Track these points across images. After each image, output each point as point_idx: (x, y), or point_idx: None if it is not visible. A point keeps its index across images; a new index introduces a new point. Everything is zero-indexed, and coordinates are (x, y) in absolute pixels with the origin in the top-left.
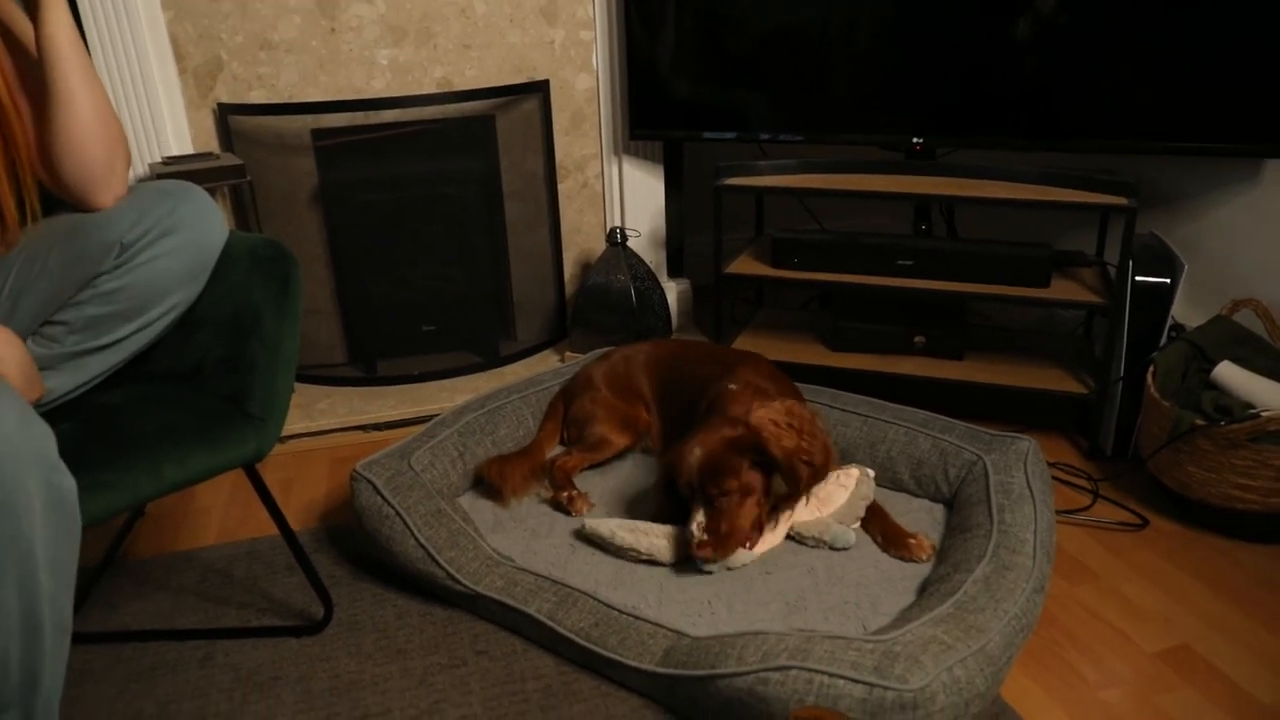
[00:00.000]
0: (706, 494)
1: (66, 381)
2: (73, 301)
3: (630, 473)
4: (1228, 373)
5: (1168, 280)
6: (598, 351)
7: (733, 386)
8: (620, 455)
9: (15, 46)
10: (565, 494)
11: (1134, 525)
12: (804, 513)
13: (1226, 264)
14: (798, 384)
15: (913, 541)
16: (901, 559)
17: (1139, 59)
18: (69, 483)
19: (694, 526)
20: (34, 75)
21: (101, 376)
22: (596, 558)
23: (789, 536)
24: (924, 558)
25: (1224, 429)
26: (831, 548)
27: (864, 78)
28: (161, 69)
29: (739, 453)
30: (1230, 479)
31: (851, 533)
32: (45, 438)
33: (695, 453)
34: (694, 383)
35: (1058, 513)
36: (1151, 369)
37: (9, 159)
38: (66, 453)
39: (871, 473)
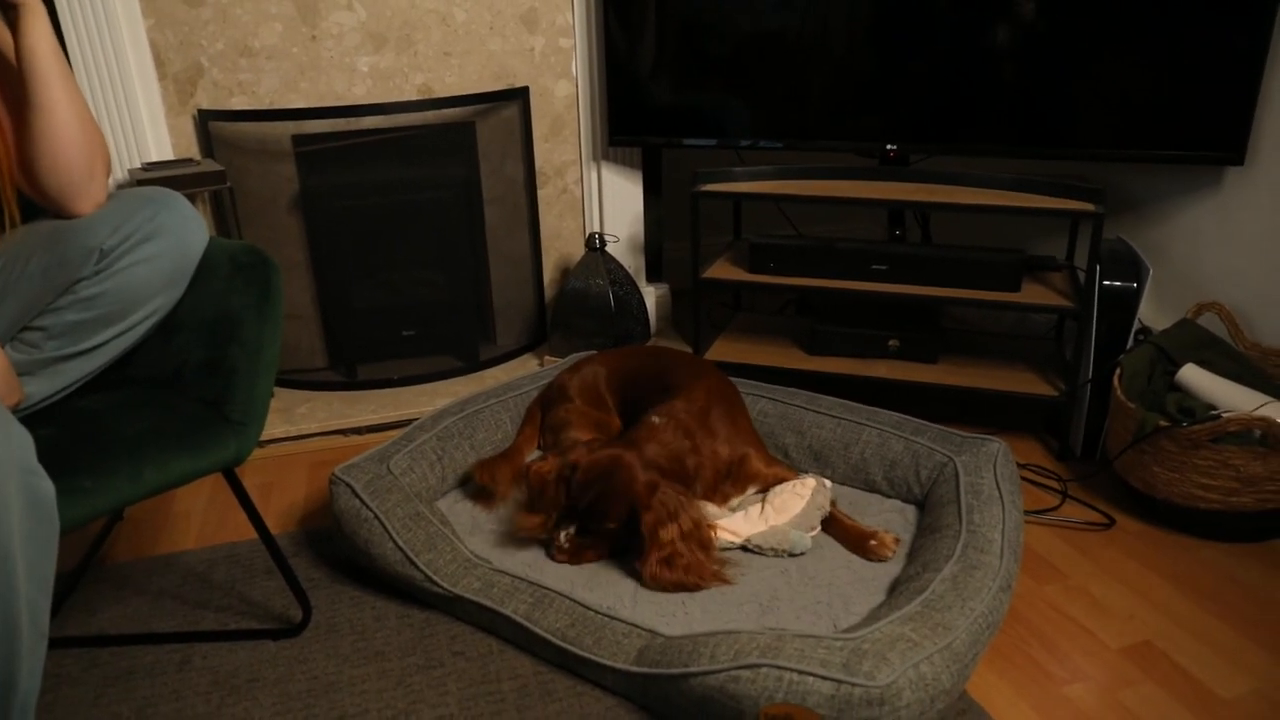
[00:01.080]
0: (585, 522)
1: (45, 387)
2: (52, 307)
3: None
4: (1191, 375)
5: (1134, 284)
6: (576, 355)
7: (656, 420)
8: None
9: None
10: (560, 534)
11: (1101, 525)
12: (758, 523)
13: (1191, 269)
14: (775, 386)
15: (873, 542)
16: (866, 559)
17: (1107, 69)
18: (47, 487)
19: (563, 536)
20: (13, 84)
21: (81, 382)
22: None
23: (745, 548)
24: (889, 555)
25: (1187, 430)
26: (790, 554)
27: (840, 86)
28: (142, 76)
29: (628, 501)
30: (1193, 479)
31: (808, 538)
32: (24, 443)
33: (593, 485)
34: (645, 400)
35: (1027, 513)
36: (1118, 371)
37: None
38: (45, 458)
39: (829, 483)
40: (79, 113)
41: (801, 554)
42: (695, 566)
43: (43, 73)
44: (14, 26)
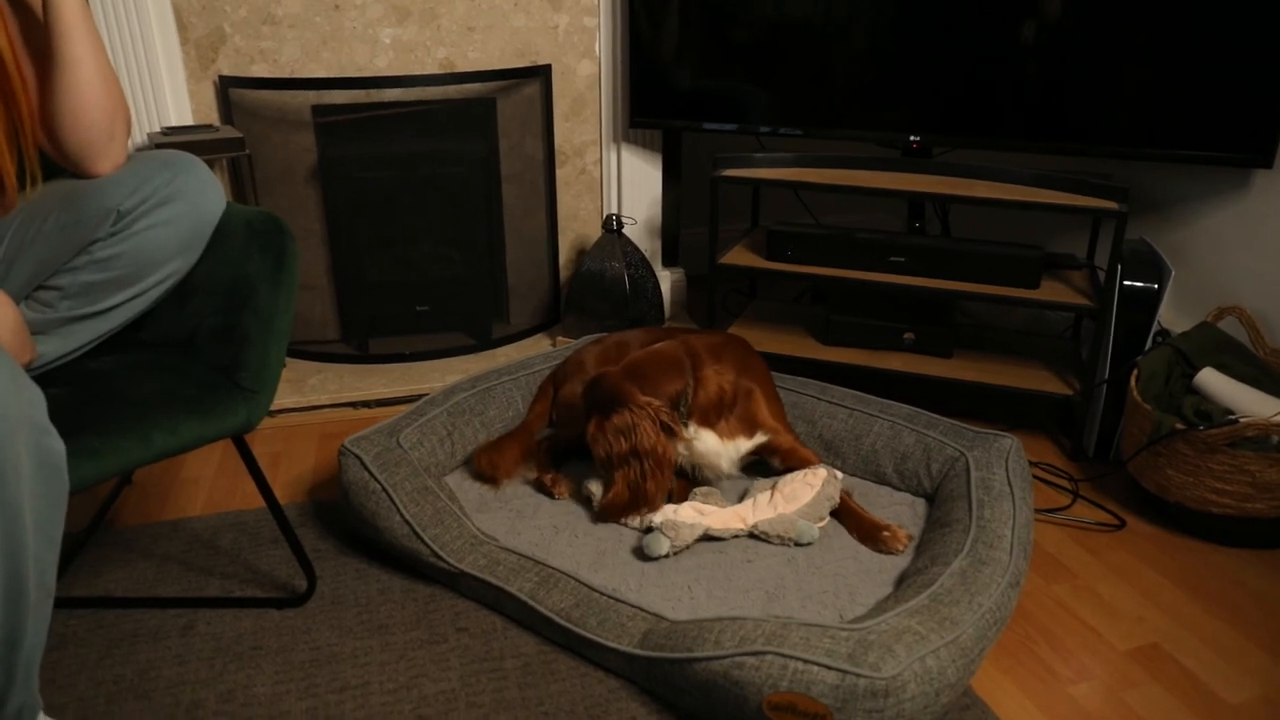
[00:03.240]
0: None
1: (58, 346)
2: (68, 267)
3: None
4: (1209, 379)
5: (1155, 286)
6: (590, 336)
7: (661, 345)
8: None
9: (22, 11)
10: (548, 476)
11: (1112, 526)
12: (767, 510)
13: (1213, 271)
14: (790, 375)
15: (886, 534)
16: (876, 550)
17: (1135, 66)
18: (58, 446)
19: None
20: (39, 41)
21: (94, 343)
22: (579, 540)
23: (753, 535)
24: (900, 549)
25: (1203, 434)
26: (796, 544)
27: (864, 75)
28: (164, 39)
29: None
30: (1207, 483)
31: (815, 529)
32: (36, 400)
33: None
34: None
35: (1038, 511)
36: (1135, 373)
37: (10, 124)
38: (57, 417)
39: (840, 475)
40: (103, 72)
41: (808, 544)
42: (635, 486)
43: (68, 29)
44: None
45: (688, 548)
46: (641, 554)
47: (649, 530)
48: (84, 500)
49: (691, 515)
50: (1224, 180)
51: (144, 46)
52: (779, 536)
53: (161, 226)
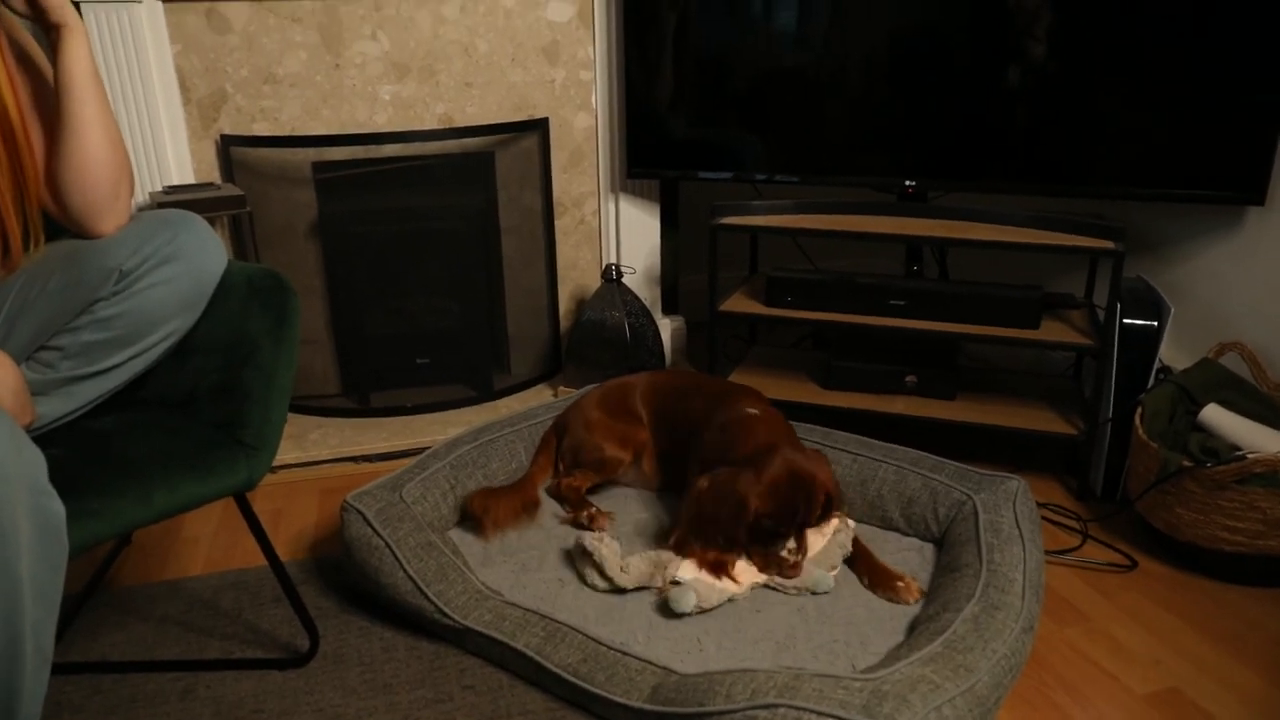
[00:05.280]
0: (807, 525)
1: (58, 407)
2: (69, 327)
3: (623, 505)
4: (1214, 415)
5: (1155, 323)
6: (591, 387)
7: (754, 411)
8: (620, 474)
9: (32, 73)
10: (585, 512)
11: (1123, 566)
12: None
13: (1213, 308)
14: (794, 421)
15: (900, 584)
16: (887, 599)
17: (1126, 108)
18: (58, 508)
19: (784, 552)
20: (47, 102)
21: (94, 403)
22: (585, 593)
23: (767, 585)
24: (911, 600)
25: (1211, 471)
26: (812, 593)
27: (858, 122)
28: (167, 100)
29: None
30: (1218, 521)
31: (830, 578)
32: (36, 462)
33: (818, 478)
34: (693, 410)
35: (1047, 553)
36: (1139, 411)
37: (17, 185)
38: (56, 478)
39: (852, 523)
40: (110, 134)
41: (824, 593)
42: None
43: (79, 93)
44: (55, 46)
45: (710, 610)
46: (665, 608)
47: (674, 583)
48: (82, 561)
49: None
50: (1218, 218)
51: (147, 107)
52: (794, 586)
53: (163, 285)
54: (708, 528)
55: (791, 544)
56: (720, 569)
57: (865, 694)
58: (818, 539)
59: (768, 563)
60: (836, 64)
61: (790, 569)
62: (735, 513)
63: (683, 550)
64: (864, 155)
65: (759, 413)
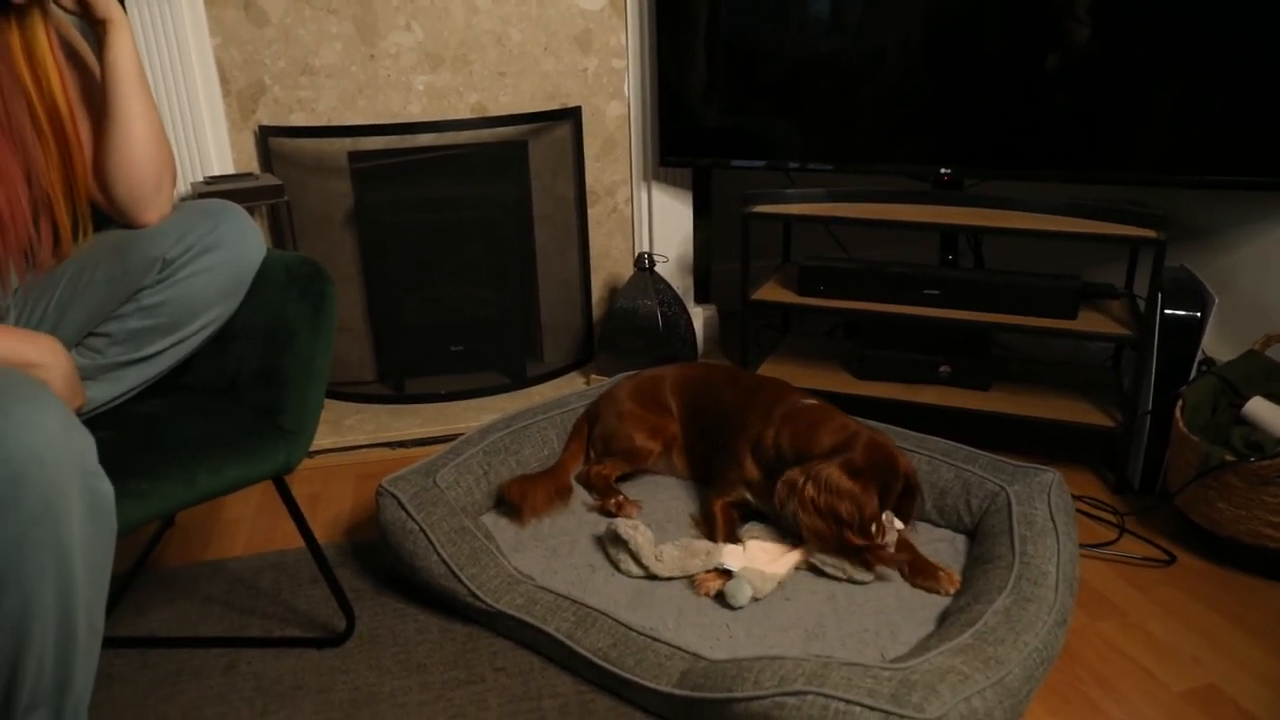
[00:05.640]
0: (889, 506)
1: (106, 391)
2: (116, 315)
3: (652, 493)
4: (1259, 408)
5: (1198, 314)
6: (623, 374)
7: (812, 402)
8: (650, 468)
9: (81, 70)
10: (613, 500)
11: (1161, 561)
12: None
13: (1258, 298)
14: None
15: (942, 574)
16: (926, 589)
17: (1168, 92)
18: (107, 489)
19: (883, 537)
20: (95, 98)
21: (140, 387)
22: (616, 578)
23: (810, 564)
24: (949, 591)
25: (1254, 465)
26: (851, 580)
27: (892, 109)
28: (207, 92)
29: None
30: (1261, 516)
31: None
32: (86, 445)
33: (900, 460)
34: (727, 405)
35: (1083, 546)
36: (1180, 403)
37: (67, 178)
38: (104, 461)
39: (900, 524)
40: (154, 127)
41: (862, 582)
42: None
43: (124, 86)
44: (101, 41)
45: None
46: (722, 601)
47: (723, 571)
48: (128, 542)
49: (762, 558)
50: (1265, 205)
51: (188, 99)
52: (835, 566)
53: (205, 274)
54: (834, 525)
55: (875, 527)
56: (871, 556)
57: (894, 683)
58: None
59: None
60: (870, 50)
61: (887, 555)
62: (858, 503)
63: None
64: (898, 142)
65: (818, 403)
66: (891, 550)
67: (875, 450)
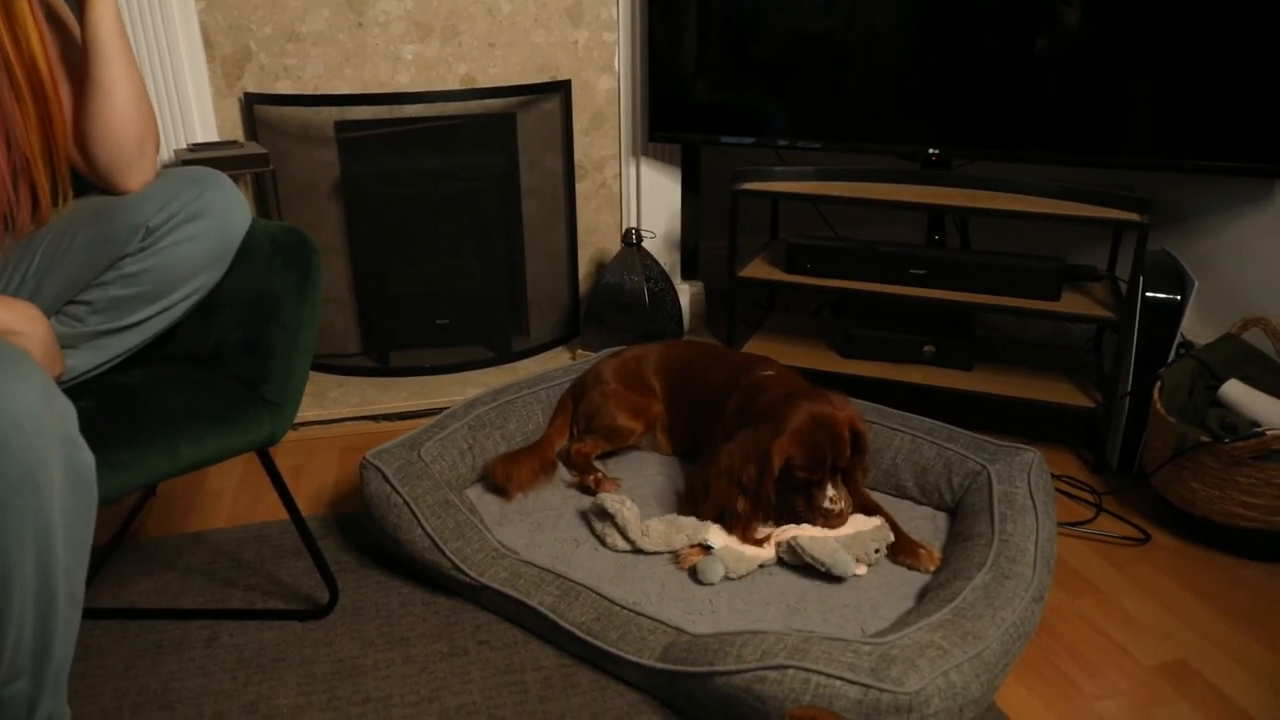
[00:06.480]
0: (840, 466)
1: (87, 360)
2: (97, 282)
3: (637, 469)
4: (1234, 391)
5: (1178, 297)
6: (609, 350)
7: (770, 373)
8: (632, 446)
9: (61, 32)
10: (592, 477)
11: (1136, 540)
12: (813, 528)
13: (1237, 282)
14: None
15: (923, 551)
16: (907, 566)
17: (1155, 77)
18: (88, 458)
19: (827, 501)
20: (76, 61)
21: (122, 356)
22: (600, 553)
23: (791, 548)
24: (930, 568)
25: (1229, 446)
26: (829, 574)
27: (882, 89)
28: (191, 57)
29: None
30: (1234, 496)
31: (852, 563)
32: (67, 414)
33: (839, 417)
34: (710, 383)
35: (1061, 525)
36: (1158, 385)
37: (46, 141)
38: (85, 430)
39: (891, 537)
40: (136, 91)
41: (839, 578)
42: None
43: (106, 50)
44: (81, 3)
45: (739, 578)
46: (693, 575)
47: (704, 548)
48: (109, 512)
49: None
50: (1247, 190)
51: (172, 64)
52: (813, 557)
53: (188, 242)
54: (736, 492)
55: (831, 491)
56: (749, 529)
57: (874, 657)
58: (854, 523)
59: (813, 516)
60: (861, 29)
61: (836, 518)
62: (760, 468)
63: (712, 518)
64: (887, 122)
65: (774, 373)
66: (844, 522)
67: (808, 414)
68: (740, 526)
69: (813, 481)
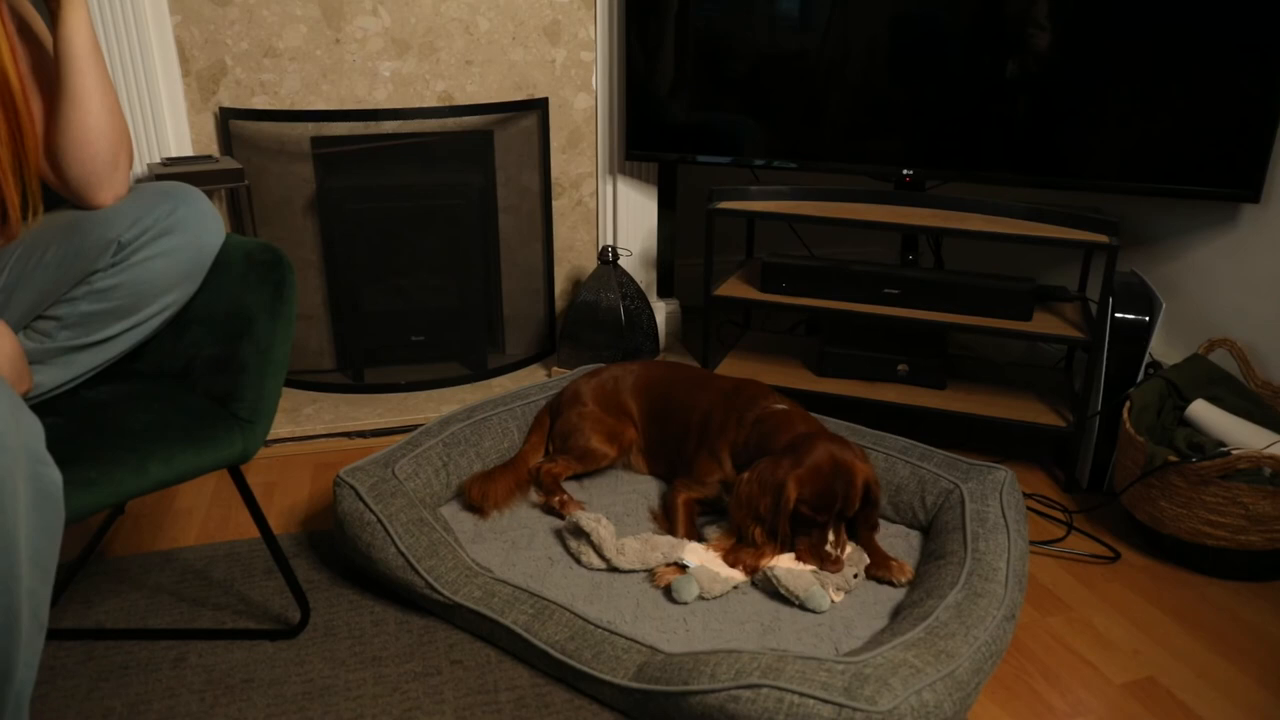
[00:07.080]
0: (846, 515)
1: (56, 376)
2: (67, 297)
3: (612, 488)
4: (1201, 411)
5: (1146, 318)
6: (586, 368)
7: (782, 407)
8: (604, 468)
9: (32, 43)
10: (557, 498)
11: (1106, 558)
12: (788, 559)
13: (1204, 304)
14: None
15: (894, 564)
16: (879, 580)
17: (1125, 103)
18: (55, 476)
19: (828, 545)
20: (48, 73)
21: (91, 373)
22: (574, 571)
23: (766, 578)
24: (903, 581)
25: (1196, 466)
26: (803, 607)
27: (857, 109)
28: (166, 72)
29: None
30: (1201, 515)
31: (826, 598)
32: (34, 430)
33: (857, 466)
34: (687, 408)
35: (1032, 543)
36: (1128, 405)
37: (16, 155)
38: (53, 447)
39: (861, 573)
40: (109, 104)
41: (812, 610)
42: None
43: (78, 63)
44: (55, 16)
45: (714, 598)
46: (668, 594)
47: (680, 566)
48: (76, 530)
49: (719, 562)
50: (1213, 214)
51: (146, 78)
52: (788, 589)
53: (161, 258)
54: (750, 519)
55: (832, 536)
56: (762, 559)
57: (847, 676)
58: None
59: (811, 555)
60: (837, 51)
61: (832, 563)
62: (776, 500)
63: (735, 546)
64: (862, 143)
65: (788, 407)
66: (840, 569)
67: (828, 455)
68: (755, 555)
69: (818, 522)
